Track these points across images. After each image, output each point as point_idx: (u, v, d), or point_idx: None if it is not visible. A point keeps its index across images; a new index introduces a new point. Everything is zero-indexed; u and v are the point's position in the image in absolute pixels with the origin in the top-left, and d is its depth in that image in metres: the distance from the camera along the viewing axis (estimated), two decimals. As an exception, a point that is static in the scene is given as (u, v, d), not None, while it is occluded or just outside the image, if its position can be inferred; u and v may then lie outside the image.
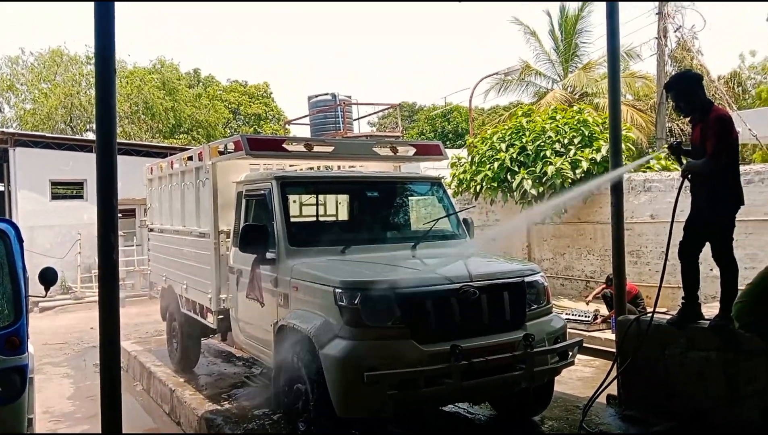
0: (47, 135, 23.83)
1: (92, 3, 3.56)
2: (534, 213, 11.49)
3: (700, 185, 4.83)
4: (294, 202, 6.96)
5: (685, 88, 4.88)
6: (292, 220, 5.98)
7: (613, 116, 6.13)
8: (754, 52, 28.10)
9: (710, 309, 5.41)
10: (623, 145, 11.01)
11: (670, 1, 15.70)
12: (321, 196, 7.19)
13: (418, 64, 78.17)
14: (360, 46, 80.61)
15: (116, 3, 3.61)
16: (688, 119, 5.35)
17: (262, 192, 5.98)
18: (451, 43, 79.72)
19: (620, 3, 5.71)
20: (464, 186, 13.53)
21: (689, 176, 4.86)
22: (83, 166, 18.75)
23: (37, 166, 19.34)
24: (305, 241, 5.66)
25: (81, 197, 20.11)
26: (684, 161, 5.02)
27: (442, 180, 7.28)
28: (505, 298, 4.92)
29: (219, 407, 6.57)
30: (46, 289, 5.13)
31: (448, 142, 35.56)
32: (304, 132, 23.02)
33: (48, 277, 4.99)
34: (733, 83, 25.02)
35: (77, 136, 30.02)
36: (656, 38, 16.18)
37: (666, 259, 5.33)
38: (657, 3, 16.00)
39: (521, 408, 5.63)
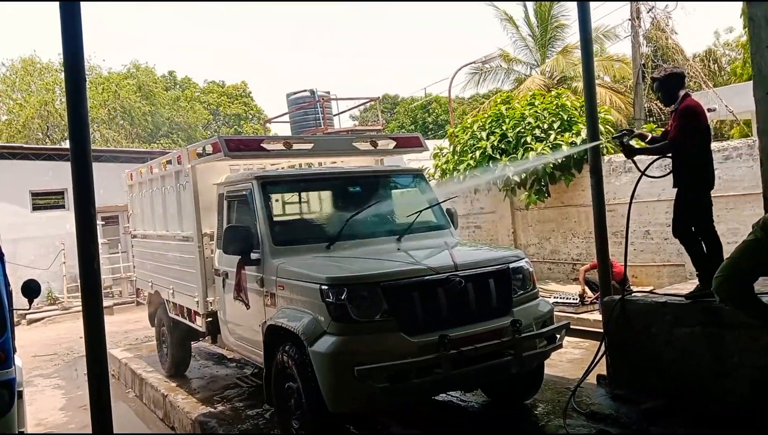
0: (24, 145, 23.60)
1: (58, 7, 3.52)
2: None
3: (674, 168, 5.14)
4: (276, 201, 6.93)
5: (667, 84, 5.25)
6: (275, 219, 5.96)
7: (589, 99, 6.17)
8: (732, 29, 28.30)
9: (694, 285, 5.48)
10: (602, 127, 11.13)
11: None
12: (303, 194, 7.17)
13: (398, 56, 78.08)
14: (338, 41, 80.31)
15: (83, 7, 3.56)
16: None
17: (244, 192, 5.96)
18: (430, 33, 79.61)
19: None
20: (447, 176, 13.54)
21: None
22: (63, 176, 18.53)
23: (16, 178, 19.10)
24: (289, 240, 5.64)
25: (63, 207, 19.90)
26: (636, 146, 5.60)
27: (424, 171, 7.29)
28: (491, 286, 4.96)
29: (212, 409, 6.56)
30: (30, 302, 5.09)
31: (429, 133, 35.60)
32: (285, 130, 22.95)
33: (31, 290, 4.95)
34: (709, 61, 25.23)
35: (55, 146, 29.72)
36: (630, 20, 16.24)
37: (627, 240, 5.86)
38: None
39: (513, 393, 5.68)
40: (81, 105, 3.43)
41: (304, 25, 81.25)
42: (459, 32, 77.25)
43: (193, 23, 72.37)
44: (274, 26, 77.95)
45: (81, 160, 3.39)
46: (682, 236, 5.17)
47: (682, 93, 5.17)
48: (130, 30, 66.76)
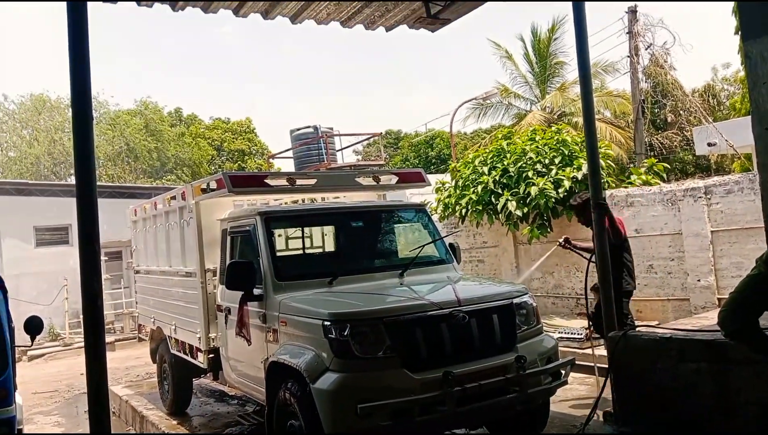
0: (30, 182, 23.81)
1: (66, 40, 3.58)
2: None
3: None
4: (279, 236, 6.96)
5: (584, 208, 6.50)
6: (278, 254, 5.97)
7: (589, 135, 6.20)
8: (728, 64, 28.62)
9: (699, 320, 5.46)
10: (603, 162, 11.19)
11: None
12: (306, 229, 7.19)
13: (403, 91, 78.97)
14: (341, 77, 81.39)
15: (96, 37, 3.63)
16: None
17: (247, 228, 5.98)
18: (434, 68, 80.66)
19: (589, 25, 5.81)
20: (450, 210, 13.56)
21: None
22: (67, 211, 18.64)
23: (20, 214, 19.22)
24: (292, 275, 5.64)
25: (66, 242, 19.98)
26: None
27: (427, 206, 7.31)
28: (495, 321, 4.93)
29: (213, 448, 6.48)
30: (32, 338, 5.07)
31: (432, 168, 35.78)
32: (289, 165, 23.09)
33: (33, 326, 4.94)
34: (708, 96, 25.47)
35: (61, 182, 29.94)
36: (628, 56, 16.47)
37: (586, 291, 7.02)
38: (627, 23, 16.33)
39: (518, 430, 5.59)
40: (87, 141, 3.47)
41: (308, 63, 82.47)
42: (460, 69, 78.25)
43: (203, 63, 73.31)
44: (278, 64, 79.04)
45: (86, 196, 3.41)
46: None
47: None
48: (141, 71, 67.58)
